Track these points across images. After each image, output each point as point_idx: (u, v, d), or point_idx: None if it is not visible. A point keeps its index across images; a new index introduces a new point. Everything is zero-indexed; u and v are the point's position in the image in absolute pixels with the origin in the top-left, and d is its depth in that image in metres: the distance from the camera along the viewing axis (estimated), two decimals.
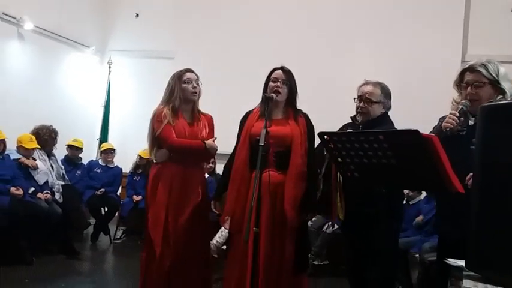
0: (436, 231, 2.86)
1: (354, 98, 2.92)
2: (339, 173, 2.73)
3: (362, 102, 2.87)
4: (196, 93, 3.22)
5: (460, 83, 2.50)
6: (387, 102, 2.92)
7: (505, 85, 2.40)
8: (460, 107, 2.37)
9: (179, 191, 3.15)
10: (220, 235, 4.73)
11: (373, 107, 2.85)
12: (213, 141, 3.23)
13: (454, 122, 2.32)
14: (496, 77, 2.40)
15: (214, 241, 4.64)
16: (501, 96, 2.39)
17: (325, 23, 6.36)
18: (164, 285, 3.10)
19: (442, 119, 2.59)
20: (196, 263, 3.18)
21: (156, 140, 3.20)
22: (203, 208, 3.19)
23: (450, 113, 2.35)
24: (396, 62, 5.95)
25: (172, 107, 3.17)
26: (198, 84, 3.23)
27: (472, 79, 2.43)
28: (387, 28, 6.15)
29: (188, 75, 3.21)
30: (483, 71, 2.40)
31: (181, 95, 3.17)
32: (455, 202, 2.32)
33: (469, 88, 2.42)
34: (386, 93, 2.92)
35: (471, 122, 2.40)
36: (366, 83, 2.94)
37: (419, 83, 5.86)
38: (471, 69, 2.45)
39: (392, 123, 2.88)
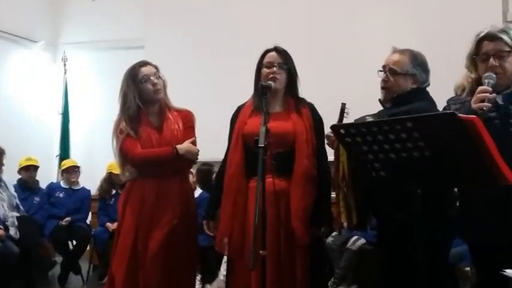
0: (461, 236, 2.86)
1: (379, 71, 2.90)
2: (343, 170, 2.74)
3: (385, 75, 2.85)
4: (159, 90, 3.22)
5: (476, 54, 2.51)
6: (420, 74, 2.85)
7: None
8: (487, 81, 2.38)
9: (151, 212, 3.15)
10: (225, 264, 4.74)
11: (397, 79, 2.82)
12: (193, 142, 3.22)
13: (491, 99, 2.33)
14: None
15: (221, 276, 4.63)
16: None
17: None
18: None
19: (452, 101, 2.60)
20: None
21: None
22: (184, 232, 3.18)
23: (480, 90, 2.35)
24: (420, 26, 5.95)
25: (128, 117, 3.17)
26: (159, 77, 3.22)
27: (493, 48, 2.45)
28: None
29: (143, 70, 3.20)
30: (505, 38, 2.43)
31: (139, 99, 3.17)
32: (493, 198, 2.34)
33: (491, 59, 2.44)
34: (418, 63, 2.84)
35: (500, 101, 2.42)
36: (393, 51, 2.92)
37: (450, 50, 5.82)
38: (490, 37, 2.47)
39: (432, 102, 2.84)
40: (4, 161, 5.32)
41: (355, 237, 4.90)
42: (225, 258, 3.93)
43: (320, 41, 6.25)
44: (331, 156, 2.95)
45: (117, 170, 5.67)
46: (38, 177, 6.06)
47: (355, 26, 6.24)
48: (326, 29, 6.27)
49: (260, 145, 2.53)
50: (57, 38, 7.47)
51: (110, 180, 5.99)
